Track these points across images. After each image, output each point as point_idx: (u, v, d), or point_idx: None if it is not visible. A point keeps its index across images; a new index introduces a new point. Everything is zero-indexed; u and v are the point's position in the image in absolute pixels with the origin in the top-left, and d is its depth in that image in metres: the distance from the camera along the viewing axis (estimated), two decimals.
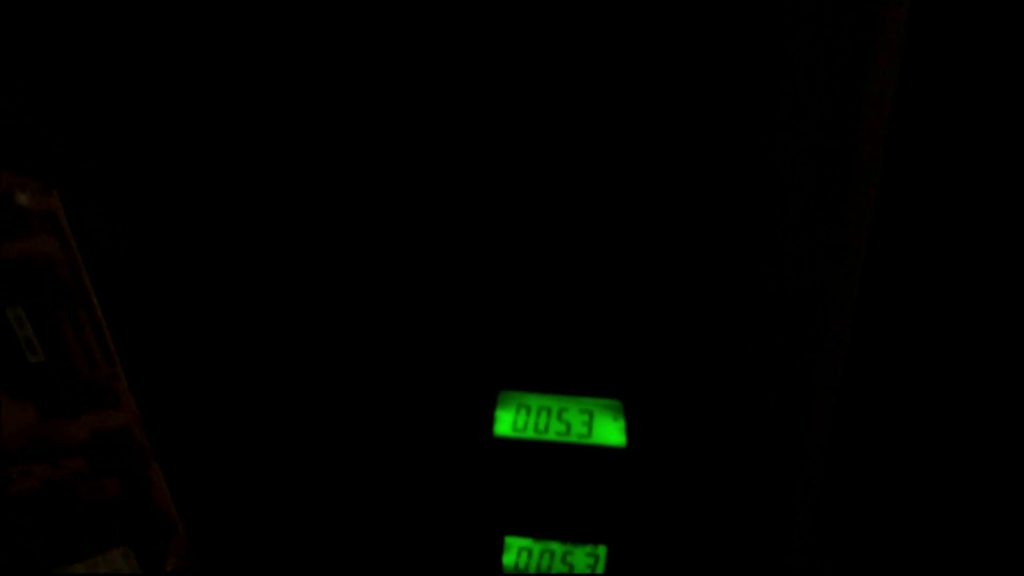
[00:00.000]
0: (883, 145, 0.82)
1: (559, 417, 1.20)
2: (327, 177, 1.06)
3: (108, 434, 0.93)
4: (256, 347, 1.15)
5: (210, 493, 1.13)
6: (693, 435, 1.17)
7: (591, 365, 1.18)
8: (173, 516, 0.96)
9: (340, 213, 1.09)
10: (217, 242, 1.05)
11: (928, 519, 1.03)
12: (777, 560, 1.19)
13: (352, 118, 1.03)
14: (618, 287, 1.12)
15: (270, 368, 1.16)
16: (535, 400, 1.21)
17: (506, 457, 1.18)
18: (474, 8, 0.93)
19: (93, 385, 0.90)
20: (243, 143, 1.00)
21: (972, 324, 0.90)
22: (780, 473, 1.15)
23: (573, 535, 1.20)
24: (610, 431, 1.19)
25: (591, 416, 1.20)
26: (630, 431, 1.18)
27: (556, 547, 1.21)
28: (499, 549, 1.20)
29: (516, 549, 1.20)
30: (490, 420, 1.19)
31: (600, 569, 1.21)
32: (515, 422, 1.19)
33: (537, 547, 1.20)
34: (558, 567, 1.20)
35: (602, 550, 1.20)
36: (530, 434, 1.19)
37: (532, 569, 1.21)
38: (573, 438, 1.19)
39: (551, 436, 1.19)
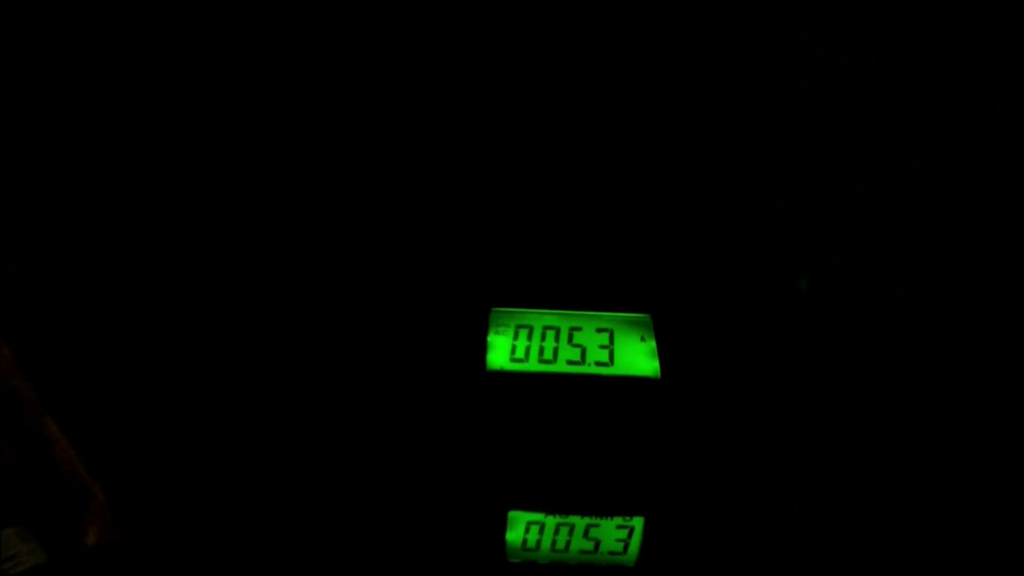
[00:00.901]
0: None
1: (570, 340, 0.92)
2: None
3: None
4: (193, 267, 0.91)
5: (149, 450, 0.90)
6: (754, 353, 0.89)
7: (607, 265, 0.92)
8: (85, 480, 0.77)
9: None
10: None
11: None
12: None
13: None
14: (635, 154, 0.87)
15: (213, 291, 0.91)
16: (538, 318, 0.93)
17: (502, 398, 0.90)
18: None
19: None
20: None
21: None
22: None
23: (598, 503, 0.90)
24: (638, 356, 0.91)
25: (611, 336, 0.92)
26: (664, 354, 0.90)
27: (576, 520, 0.91)
28: (500, 526, 0.90)
29: (524, 523, 0.90)
30: (480, 347, 0.92)
31: (634, 548, 0.91)
32: (513, 349, 0.92)
33: (551, 520, 0.90)
34: (579, 543, 0.90)
35: (638, 522, 0.90)
36: (533, 365, 0.91)
37: (545, 548, 0.90)
38: (590, 367, 0.91)
39: (560, 366, 0.91)
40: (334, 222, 0.91)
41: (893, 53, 0.80)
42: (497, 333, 0.92)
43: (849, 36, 0.81)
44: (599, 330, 0.92)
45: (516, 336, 0.92)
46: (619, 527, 0.90)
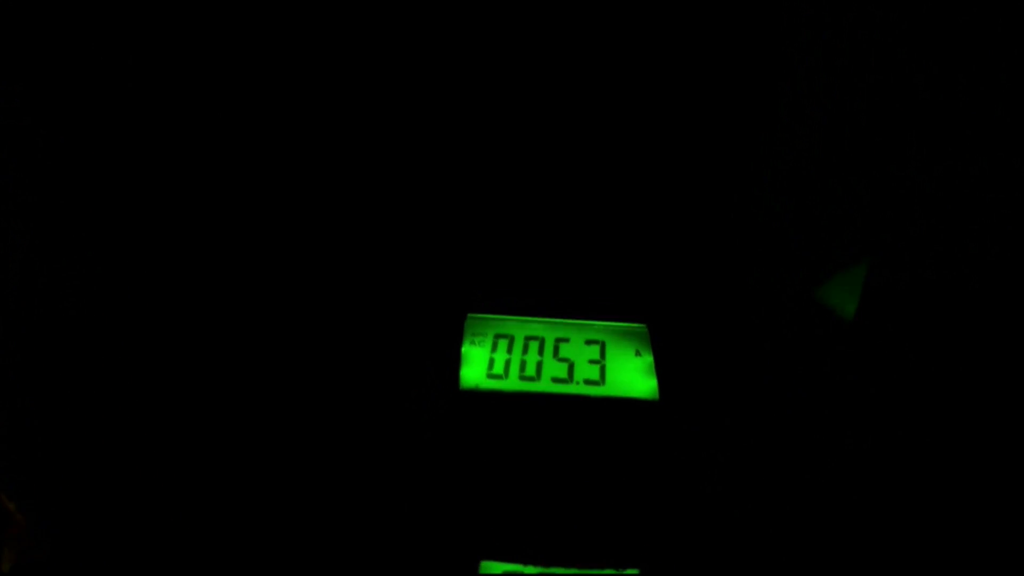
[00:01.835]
0: None
1: (556, 353, 0.80)
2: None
3: None
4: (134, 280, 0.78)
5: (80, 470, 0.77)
6: (761, 371, 0.79)
7: (598, 267, 0.81)
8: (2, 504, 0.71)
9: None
10: None
11: None
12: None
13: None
14: (631, 153, 0.79)
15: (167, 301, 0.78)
16: (520, 326, 0.81)
17: (476, 422, 0.77)
18: None
19: None
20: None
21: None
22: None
23: (586, 554, 0.76)
24: (633, 373, 0.80)
25: (603, 349, 0.81)
26: (663, 371, 0.79)
27: (560, 572, 0.75)
28: None
29: None
30: (453, 360, 0.79)
31: None
32: (491, 363, 0.79)
33: (531, 570, 0.75)
34: None
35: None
36: (513, 383, 0.78)
37: None
38: (577, 387, 0.79)
39: (545, 385, 0.79)
40: (302, 215, 0.80)
41: (892, 53, 0.77)
42: (473, 343, 0.80)
43: (847, 37, 0.78)
44: (589, 342, 0.81)
45: (494, 347, 0.80)
46: None
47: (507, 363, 0.79)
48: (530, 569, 0.75)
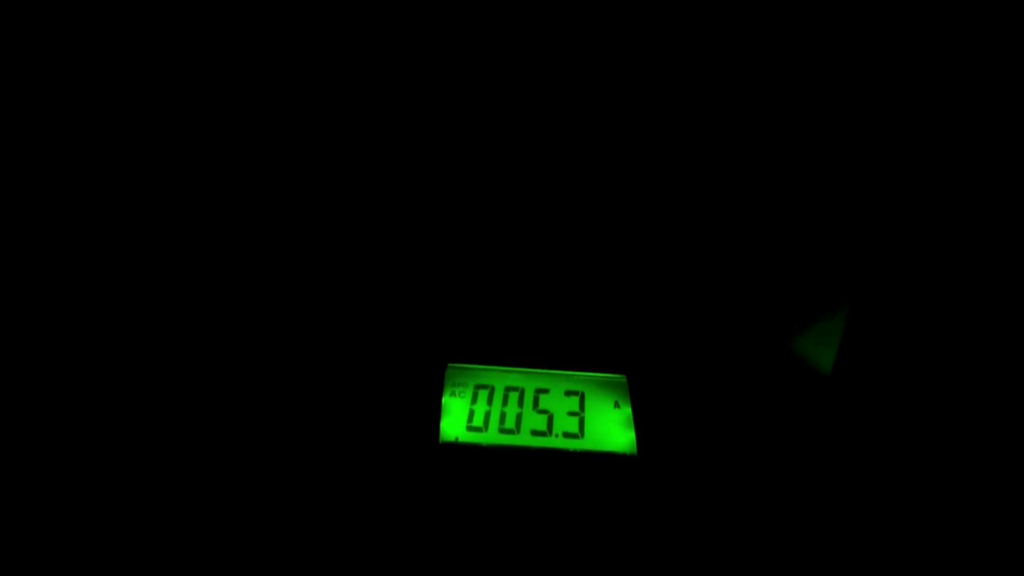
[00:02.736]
0: None
1: (535, 405, 0.79)
2: None
3: None
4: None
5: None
6: (747, 422, 0.79)
7: (578, 317, 0.80)
8: None
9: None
10: None
11: None
12: None
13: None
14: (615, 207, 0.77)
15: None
16: (500, 377, 0.80)
17: (456, 474, 0.75)
18: None
19: None
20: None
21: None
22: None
23: None
24: (611, 425, 0.79)
25: (582, 401, 0.80)
26: (641, 424, 0.79)
27: None
28: None
29: None
30: (433, 413, 0.77)
31: None
32: (471, 415, 0.78)
33: None
34: None
35: None
36: (492, 436, 0.77)
37: None
38: (556, 440, 0.78)
39: (524, 438, 0.77)
40: (284, 261, 0.76)
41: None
42: (453, 394, 0.78)
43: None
44: (568, 393, 0.80)
45: (475, 399, 0.78)
46: None
47: (487, 415, 0.78)
48: None
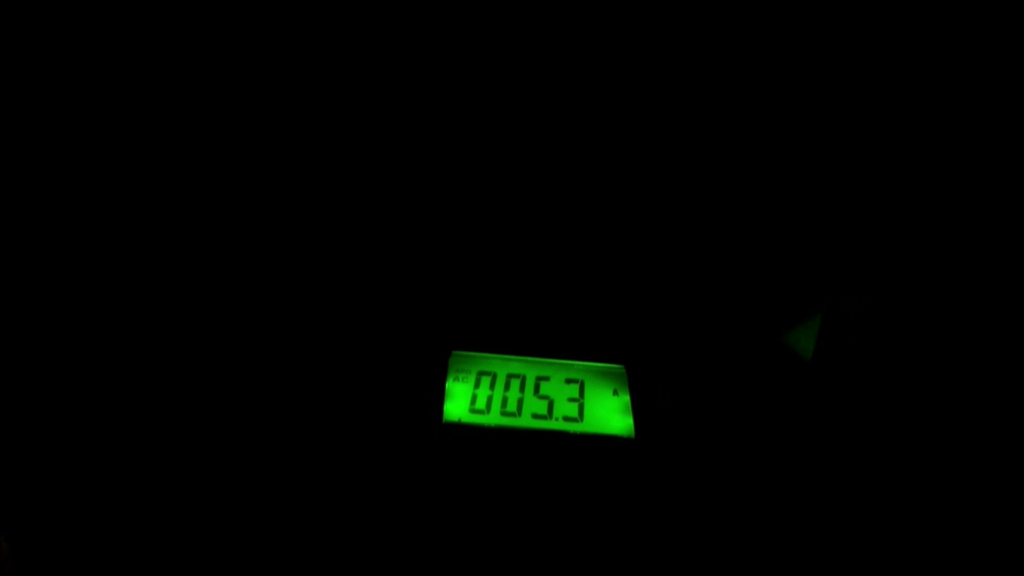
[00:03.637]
0: None
1: (536, 391, 0.83)
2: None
3: None
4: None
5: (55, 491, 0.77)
6: (740, 411, 0.82)
7: (579, 308, 0.85)
8: None
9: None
10: None
11: None
12: None
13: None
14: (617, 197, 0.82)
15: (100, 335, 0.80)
16: (502, 364, 0.84)
17: (459, 453, 0.80)
18: None
19: None
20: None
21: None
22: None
23: None
24: (610, 412, 0.83)
25: (581, 388, 0.84)
26: (639, 410, 0.82)
27: None
28: None
29: None
30: (437, 397, 0.82)
31: None
32: (474, 399, 0.82)
33: None
34: None
35: None
36: (494, 418, 0.81)
37: None
38: (556, 423, 0.82)
39: (525, 421, 0.81)
40: (289, 248, 0.82)
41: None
42: (457, 380, 0.83)
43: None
44: (568, 381, 0.84)
45: (477, 384, 0.83)
46: None
47: (489, 399, 0.82)
48: None
